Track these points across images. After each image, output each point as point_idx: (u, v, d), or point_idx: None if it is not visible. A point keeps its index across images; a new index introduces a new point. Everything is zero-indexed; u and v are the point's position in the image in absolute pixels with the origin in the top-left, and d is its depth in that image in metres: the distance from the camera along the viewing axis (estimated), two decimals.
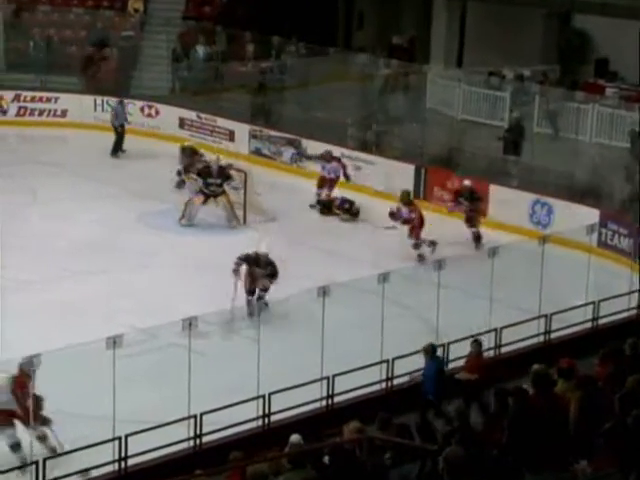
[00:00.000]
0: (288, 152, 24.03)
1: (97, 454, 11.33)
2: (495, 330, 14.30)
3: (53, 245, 18.61)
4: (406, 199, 19.16)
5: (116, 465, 11.42)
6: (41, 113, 26.43)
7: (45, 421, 11.87)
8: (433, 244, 18.62)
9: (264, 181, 21.48)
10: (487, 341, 14.05)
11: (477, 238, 19.41)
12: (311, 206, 21.30)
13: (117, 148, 24.35)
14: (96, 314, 15.63)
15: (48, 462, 11.24)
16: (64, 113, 26.42)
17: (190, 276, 17.71)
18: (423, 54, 28.82)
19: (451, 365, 13.72)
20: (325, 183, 21.45)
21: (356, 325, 14.96)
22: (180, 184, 21.25)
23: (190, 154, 21.35)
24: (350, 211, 21.02)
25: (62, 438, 11.74)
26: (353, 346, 14.18)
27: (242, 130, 24.76)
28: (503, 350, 14.45)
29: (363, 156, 22.90)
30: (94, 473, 11.24)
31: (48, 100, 26.45)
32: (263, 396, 12.42)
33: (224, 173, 20.19)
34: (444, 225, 19.59)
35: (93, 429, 11.83)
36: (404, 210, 18.94)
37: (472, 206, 19.67)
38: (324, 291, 13.26)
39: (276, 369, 13.14)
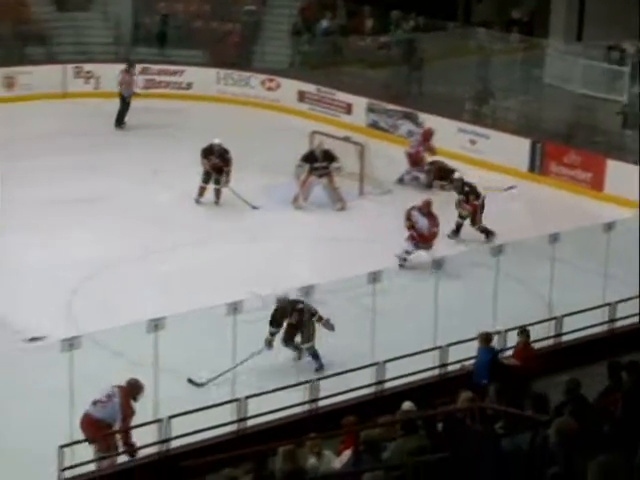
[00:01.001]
0: (404, 126, 23.97)
1: (216, 415, 11.49)
2: (609, 304, 13.97)
3: (175, 214, 18.96)
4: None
5: (235, 426, 11.57)
6: (167, 85, 26.81)
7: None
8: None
9: (380, 154, 21.46)
10: (601, 315, 13.79)
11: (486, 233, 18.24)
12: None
13: (121, 119, 24.26)
14: (217, 282, 15.85)
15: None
16: (189, 86, 26.76)
17: (307, 247, 17.84)
18: (542, 28, 28.32)
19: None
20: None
21: (469, 298, 14.88)
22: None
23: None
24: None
25: (186, 399, 11.89)
26: (466, 318, 14.10)
27: (360, 103, 24.74)
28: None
29: (479, 130, 22.75)
30: (213, 433, 11.39)
31: (173, 73, 26.81)
32: (377, 363, 12.45)
33: (329, 156, 20.11)
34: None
35: (213, 390, 12.02)
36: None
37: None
38: (438, 264, 13.22)
39: (391, 337, 13.17)
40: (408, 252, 17.08)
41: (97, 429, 11.01)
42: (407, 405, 10.21)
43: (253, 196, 19.86)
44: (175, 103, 25.99)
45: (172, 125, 24.43)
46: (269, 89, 26.33)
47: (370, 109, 24.68)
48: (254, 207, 19.36)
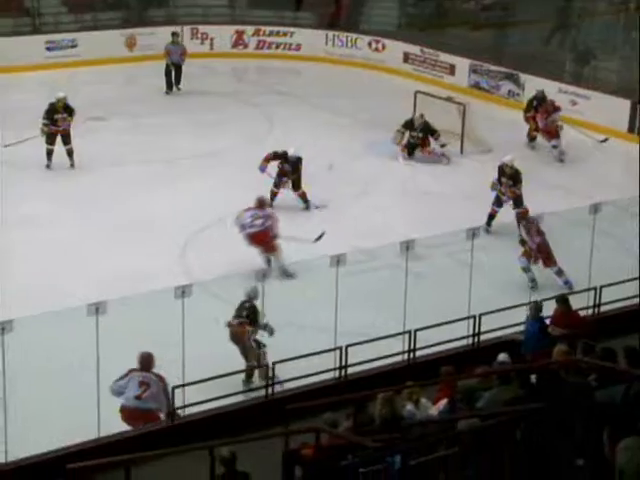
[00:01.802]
0: (506, 86, 23.63)
1: (320, 362, 11.52)
2: None
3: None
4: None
5: (337, 372, 11.59)
6: (278, 46, 26.80)
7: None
8: None
9: (482, 114, 21.17)
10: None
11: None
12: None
13: (170, 84, 23.71)
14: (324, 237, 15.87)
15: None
16: (298, 47, 26.71)
17: (410, 203, 17.73)
18: None
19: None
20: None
21: (568, 254, 14.60)
22: None
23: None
24: None
25: (291, 346, 11.94)
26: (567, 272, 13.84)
27: (462, 64, 24.43)
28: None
29: (579, 91, 22.28)
30: (319, 378, 11.43)
31: (284, 34, 26.79)
32: (474, 317, 12.33)
33: (426, 128, 19.79)
34: None
35: (317, 339, 12.04)
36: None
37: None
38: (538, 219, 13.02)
39: (486, 292, 13.03)
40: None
41: (146, 419, 10.81)
42: (502, 357, 10.10)
43: (359, 151, 19.76)
44: (285, 63, 26.00)
45: (283, 84, 24.46)
46: (375, 50, 26.16)
47: (472, 70, 24.36)
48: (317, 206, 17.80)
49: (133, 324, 12.05)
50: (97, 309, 10.28)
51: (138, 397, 10.70)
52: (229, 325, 12.30)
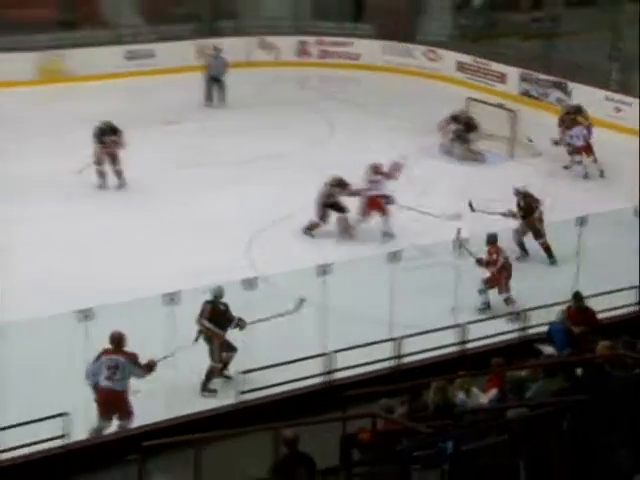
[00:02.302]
0: (554, 94, 23.41)
1: (376, 351, 11.49)
2: None
3: (348, 172, 18.76)
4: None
5: (393, 362, 11.56)
6: (338, 56, 26.78)
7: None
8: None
9: (531, 120, 20.97)
10: None
11: None
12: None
13: (209, 95, 23.10)
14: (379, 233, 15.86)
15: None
16: (358, 56, 26.67)
17: (461, 203, 17.57)
18: None
19: None
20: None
21: (613, 253, 14.38)
22: None
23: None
24: None
25: (350, 337, 11.91)
26: (611, 269, 13.64)
27: (513, 73, 24.24)
28: None
29: (625, 98, 21.98)
30: (371, 368, 11.40)
31: (345, 44, 26.77)
32: (523, 311, 12.22)
33: (469, 123, 19.84)
34: None
35: (373, 330, 12.01)
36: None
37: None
38: (582, 221, 12.85)
39: (534, 288, 12.91)
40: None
41: (120, 400, 10.75)
42: (549, 350, 10.01)
43: (415, 154, 19.72)
44: (345, 72, 25.98)
45: (343, 91, 24.43)
46: (430, 60, 26.04)
47: (522, 78, 24.16)
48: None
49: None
50: (172, 299, 10.36)
51: (108, 378, 10.63)
52: (208, 330, 11.63)
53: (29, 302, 12.92)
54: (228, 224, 16.31)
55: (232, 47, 25.68)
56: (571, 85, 22.92)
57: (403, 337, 11.44)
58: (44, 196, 17.20)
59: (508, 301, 13.57)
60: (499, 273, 13.59)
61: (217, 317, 11.66)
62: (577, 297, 11.71)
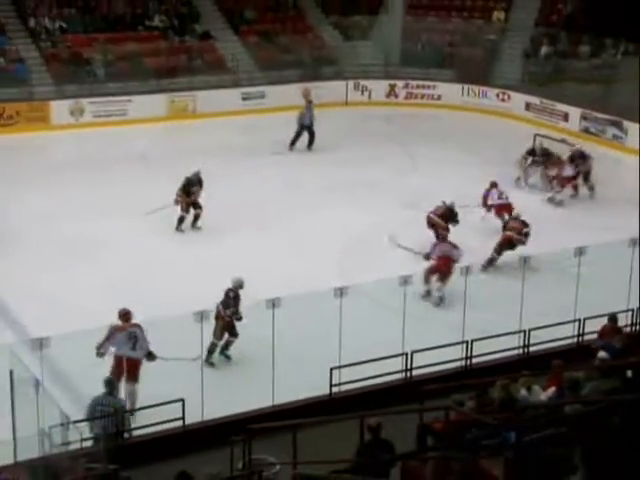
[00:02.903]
0: (611, 131, 22.88)
1: (448, 353, 11.33)
2: None
3: (427, 200, 18.41)
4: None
5: (463, 362, 11.39)
6: (422, 97, 26.64)
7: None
8: None
9: (590, 153, 20.46)
10: None
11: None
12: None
13: (294, 141, 22.12)
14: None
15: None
16: (439, 97, 26.49)
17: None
18: None
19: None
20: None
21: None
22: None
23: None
24: None
25: (427, 338, 11.69)
26: None
27: (575, 112, 23.78)
28: None
29: None
30: (445, 367, 11.22)
31: (428, 87, 26.62)
32: (579, 320, 11.93)
33: (546, 152, 19.53)
34: None
35: (447, 333, 11.85)
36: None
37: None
38: (634, 243, 12.47)
39: (591, 300, 12.55)
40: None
41: (137, 367, 10.71)
42: (602, 354, 9.71)
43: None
44: (428, 111, 25.81)
45: (426, 128, 24.25)
46: (502, 100, 25.73)
47: (583, 117, 23.70)
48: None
49: (302, 317, 12.06)
50: (273, 304, 10.40)
51: (133, 349, 10.54)
52: (218, 311, 11.74)
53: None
54: (324, 240, 16.27)
55: (332, 89, 25.83)
56: (626, 123, 22.38)
57: (473, 340, 11.26)
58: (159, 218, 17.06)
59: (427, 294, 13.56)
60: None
61: (227, 302, 11.85)
62: (612, 318, 11.38)
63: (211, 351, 11.80)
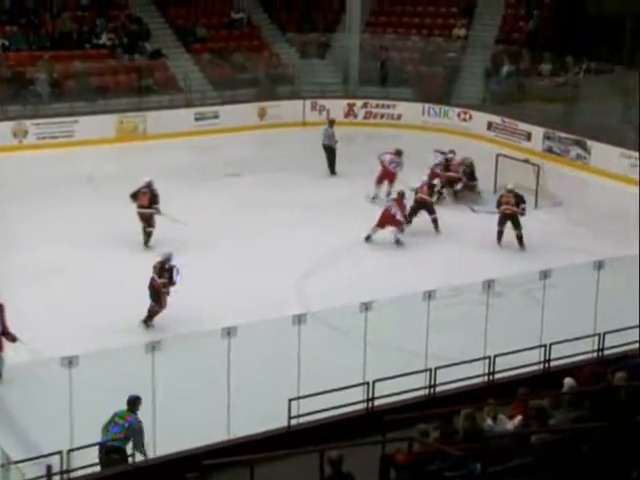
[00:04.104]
0: (574, 150, 23.20)
1: (411, 381, 11.33)
2: None
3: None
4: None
5: (426, 390, 11.39)
6: (382, 116, 26.83)
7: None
8: None
9: (553, 174, 20.80)
10: None
11: None
12: None
13: (333, 167, 22.42)
14: (413, 272, 15.73)
15: None
16: (399, 117, 26.69)
17: (489, 248, 17.47)
18: None
19: None
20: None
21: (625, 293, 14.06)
22: None
23: None
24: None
25: (389, 366, 11.71)
26: (623, 310, 13.31)
27: (537, 132, 24.09)
28: None
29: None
30: (408, 396, 11.22)
31: (388, 106, 26.82)
32: (545, 345, 12.00)
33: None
34: None
35: (409, 361, 11.85)
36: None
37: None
38: (600, 265, 12.62)
39: (556, 324, 12.67)
40: None
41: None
42: (569, 381, 9.77)
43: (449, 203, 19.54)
44: (388, 131, 25.98)
45: (385, 147, 24.34)
46: (463, 120, 26.01)
47: (546, 137, 24.01)
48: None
49: (258, 346, 11.99)
50: (229, 333, 10.32)
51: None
52: (152, 281, 13.95)
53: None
54: (282, 263, 16.28)
55: (289, 109, 25.91)
56: (590, 143, 22.71)
57: (437, 368, 11.26)
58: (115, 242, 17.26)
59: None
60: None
61: (161, 273, 14.08)
62: None
63: (152, 316, 13.98)
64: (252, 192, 20.58)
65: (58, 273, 15.64)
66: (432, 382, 11.35)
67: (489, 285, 12.14)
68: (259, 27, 28.95)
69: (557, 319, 12.93)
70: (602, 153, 21.93)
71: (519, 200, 17.56)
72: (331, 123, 23.03)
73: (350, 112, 26.82)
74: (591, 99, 24.66)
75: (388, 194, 19.78)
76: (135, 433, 10.04)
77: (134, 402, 10.18)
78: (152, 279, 14.00)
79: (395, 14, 29.52)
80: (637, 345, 12.09)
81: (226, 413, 10.52)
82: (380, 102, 26.85)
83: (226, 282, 15.39)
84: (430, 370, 11.32)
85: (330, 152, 22.40)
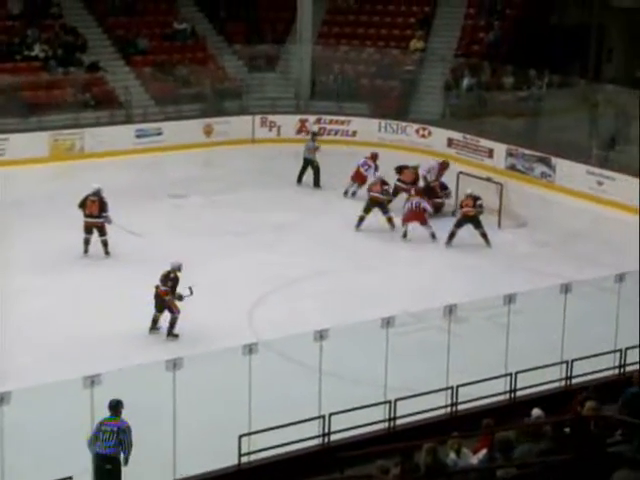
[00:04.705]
0: (539, 168, 23.51)
1: (370, 413, 11.36)
2: None
3: (343, 240, 18.88)
4: None
5: (386, 424, 11.43)
6: (336, 133, 26.99)
7: None
8: None
9: (517, 192, 21.07)
10: None
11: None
12: None
13: (317, 180, 23.00)
14: (374, 299, 15.80)
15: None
16: (354, 133, 26.88)
17: (450, 272, 17.64)
18: None
19: None
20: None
21: (592, 317, 14.31)
22: None
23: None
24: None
25: (346, 398, 11.75)
26: (592, 335, 13.56)
27: (500, 149, 24.39)
28: None
29: (605, 172, 22.09)
30: (366, 430, 11.25)
31: (342, 122, 27.00)
32: (511, 374, 12.12)
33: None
34: None
35: (368, 393, 11.89)
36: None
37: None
38: (567, 288, 12.81)
39: (522, 351, 12.81)
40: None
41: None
42: (536, 412, 9.89)
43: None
44: (342, 148, 26.13)
45: (340, 165, 24.50)
46: (422, 136, 26.25)
47: (509, 154, 24.30)
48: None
49: (205, 378, 11.94)
50: (174, 365, 10.28)
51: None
52: (157, 288, 14.65)
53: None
54: (230, 290, 16.26)
55: (237, 125, 25.95)
56: (554, 160, 23.04)
57: (397, 399, 11.32)
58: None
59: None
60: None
61: (165, 281, 14.79)
62: None
63: (156, 321, 14.83)
64: (198, 214, 20.54)
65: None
66: (392, 415, 11.41)
67: (450, 310, 12.25)
68: (204, 38, 29.01)
69: (523, 346, 13.09)
70: (567, 170, 22.26)
71: (475, 201, 19.04)
72: (313, 136, 23.39)
73: (302, 128, 26.92)
74: (555, 114, 25.06)
75: (353, 193, 21.86)
76: (126, 434, 10.31)
77: (116, 406, 10.39)
78: (157, 286, 14.78)
79: (349, 24, 29.79)
80: (607, 372, 12.28)
81: (172, 452, 10.45)
82: (334, 118, 27.02)
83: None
84: (390, 402, 11.38)
85: (312, 165, 22.82)
